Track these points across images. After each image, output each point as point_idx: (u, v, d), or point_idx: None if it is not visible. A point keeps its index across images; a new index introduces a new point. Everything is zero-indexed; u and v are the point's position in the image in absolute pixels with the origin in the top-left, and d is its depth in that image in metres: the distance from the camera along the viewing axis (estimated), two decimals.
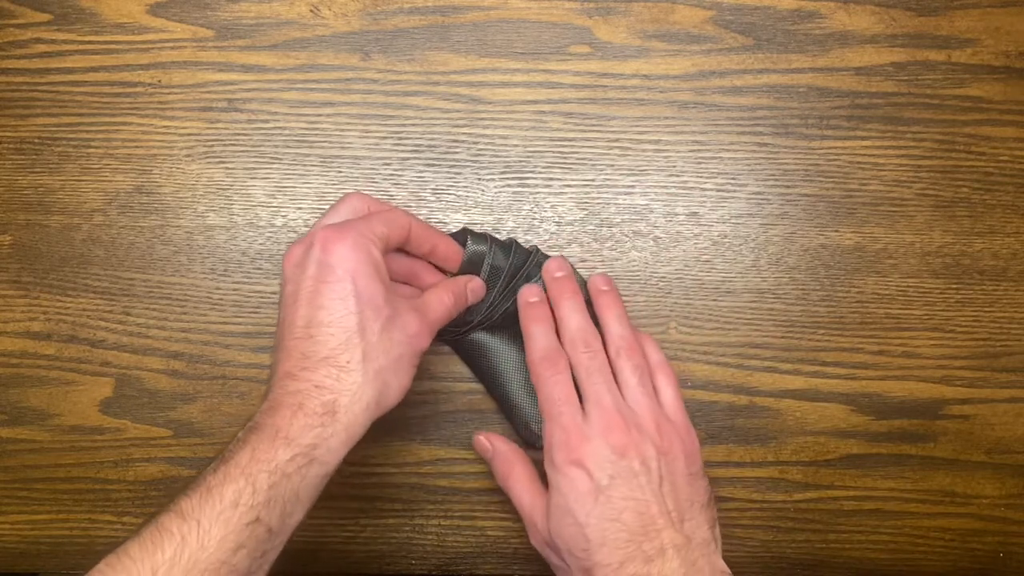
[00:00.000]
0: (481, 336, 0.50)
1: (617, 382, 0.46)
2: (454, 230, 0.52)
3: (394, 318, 0.42)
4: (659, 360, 0.48)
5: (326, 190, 0.53)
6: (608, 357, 0.46)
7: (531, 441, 0.50)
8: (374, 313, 0.41)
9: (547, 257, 0.50)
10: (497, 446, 0.49)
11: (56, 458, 0.53)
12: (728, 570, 0.42)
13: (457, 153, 0.53)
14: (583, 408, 0.45)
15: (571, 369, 0.46)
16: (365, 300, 0.41)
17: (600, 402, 0.44)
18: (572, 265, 0.51)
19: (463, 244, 0.49)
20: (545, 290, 0.50)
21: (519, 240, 0.52)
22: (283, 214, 0.53)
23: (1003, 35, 0.53)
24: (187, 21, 0.53)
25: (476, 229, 0.53)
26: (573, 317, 0.47)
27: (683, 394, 0.52)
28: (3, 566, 0.53)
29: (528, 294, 0.49)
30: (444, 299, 0.46)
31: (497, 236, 0.51)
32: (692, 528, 0.42)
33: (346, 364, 0.40)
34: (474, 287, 0.48)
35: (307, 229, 0.53)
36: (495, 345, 0.50)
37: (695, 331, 0.53)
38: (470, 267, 0.49)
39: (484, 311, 0.50)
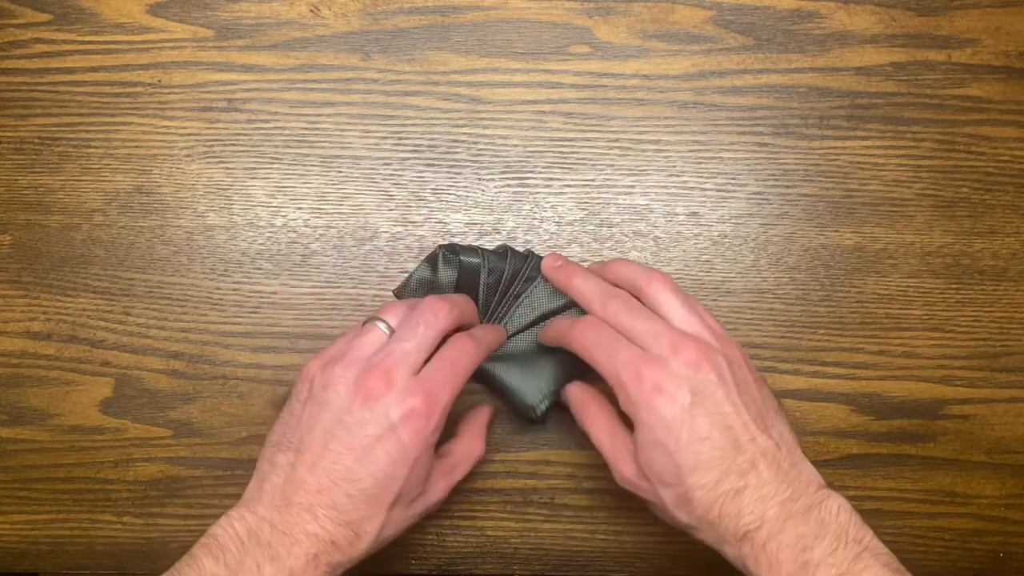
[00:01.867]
0: None
1: (657, 311, 0.44)
2: (454, 231, 0.52)
3: (424, 495, 0.43)
4: (675, 284, 0.47)
5: (326, 190, 0.53)
6: (642, 295, 0.45)
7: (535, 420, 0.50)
8: (409, 492, 0.42)
9: (543, 258, 0.50)
10: (572, 391, 0.48)
11: (56, 458, 0.53)
12: (822, 479, 0.41)
13: (457, 153, 0.53)
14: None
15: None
16: (411, 484, 0.41)
17: (655, 331, 0.42)
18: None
19: (455, 256, 0.49)
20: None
21: (515, 242, 0.52)
22: (283, 214, 0.53)
23: (1003, 35, 0.53)
24: (187, 21, 0.53)
25: (475, 229, 0.53)
26: (588, 285, 0.46)
27: None
28: (3, 566, 0.53)
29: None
30: (475, 450, 0.47)
31: (486, 247, 0.50)
32: (777, 434, 0.41)
33: (364, 533, 0.41)
34: (486, 412, 0.49)
35: (307, 229, 0.53)
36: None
37: None
38: (467, 279, 0.49)
39: (491, 321, 0.49)
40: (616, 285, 0.46)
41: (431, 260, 0.49)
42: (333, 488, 0.40)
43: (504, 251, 0.50)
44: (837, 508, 0.39)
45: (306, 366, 0.43)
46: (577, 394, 0.48)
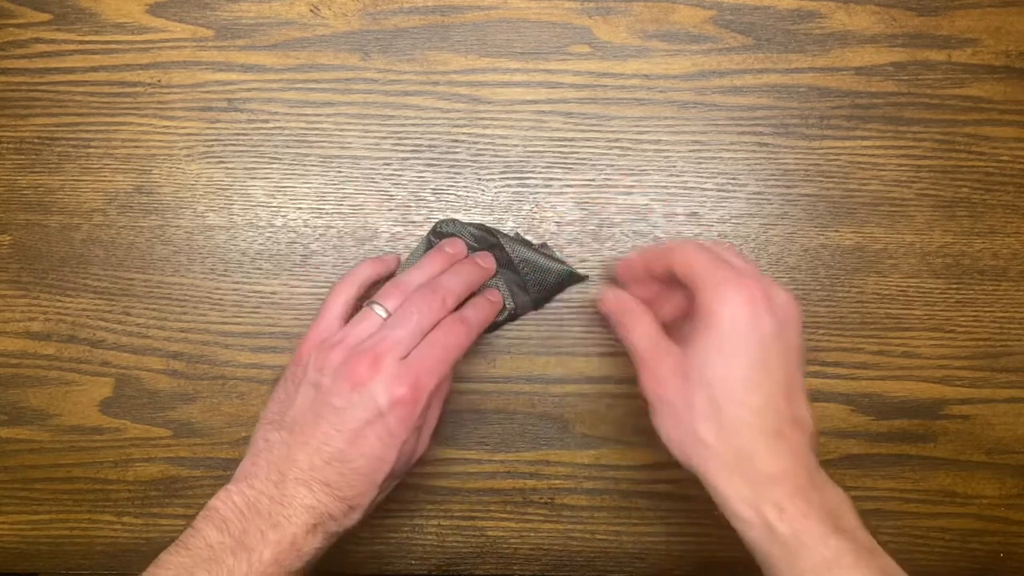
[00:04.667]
0: None
1: None
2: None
3: (410, 460, 0.44)
4: None
5: (326, 190, 0.53)
6: None
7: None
8: (399, 469, 0.43)
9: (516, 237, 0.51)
10: (610, 295, 0.46)
11: (56, 458, 0.53)
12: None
13: (457, 153, 0.53)
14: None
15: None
16: (400, 463, 0.42)
17: (756, 272, 0.42)
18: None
19: (439, 236, 0.51)
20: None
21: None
22: (283, 214, 0.53)
23: (1003, 35, 0.53)
24: (187, 21, 0.53)
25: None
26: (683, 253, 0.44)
27: None
28: (3, 566, 0.53)
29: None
30: (442, 387, 0.45)
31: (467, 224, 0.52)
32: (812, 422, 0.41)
33: (358, 506, 0.42)
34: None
35: (307, 229, 0.53)
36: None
37: None
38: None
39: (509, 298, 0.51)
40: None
41: (432, 235, 0.51)
42: (325, 467, 0.41)
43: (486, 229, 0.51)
44: (849, 499, 0.39)
45: (300, 347, 0.44)
46: (616, 297, 0.45)
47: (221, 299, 0.53)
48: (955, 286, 0.53)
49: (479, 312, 0.47)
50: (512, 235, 0.52)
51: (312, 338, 0.44)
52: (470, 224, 0.51)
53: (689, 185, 0.53)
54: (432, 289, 0.45)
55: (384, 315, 0.44)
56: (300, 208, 0.53)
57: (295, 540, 0.40)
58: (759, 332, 0.39)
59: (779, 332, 0.40)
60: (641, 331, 0.43)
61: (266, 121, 0.53)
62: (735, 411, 0.39)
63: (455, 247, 0.49)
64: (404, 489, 0.53)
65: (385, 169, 0.53)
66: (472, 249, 0.50)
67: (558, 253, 0.52)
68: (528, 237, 0.52)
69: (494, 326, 0.51)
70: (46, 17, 0.53)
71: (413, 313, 0.43)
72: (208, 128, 0.53)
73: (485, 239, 0.50)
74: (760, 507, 0.38)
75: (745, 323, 0.39)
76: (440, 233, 0.51)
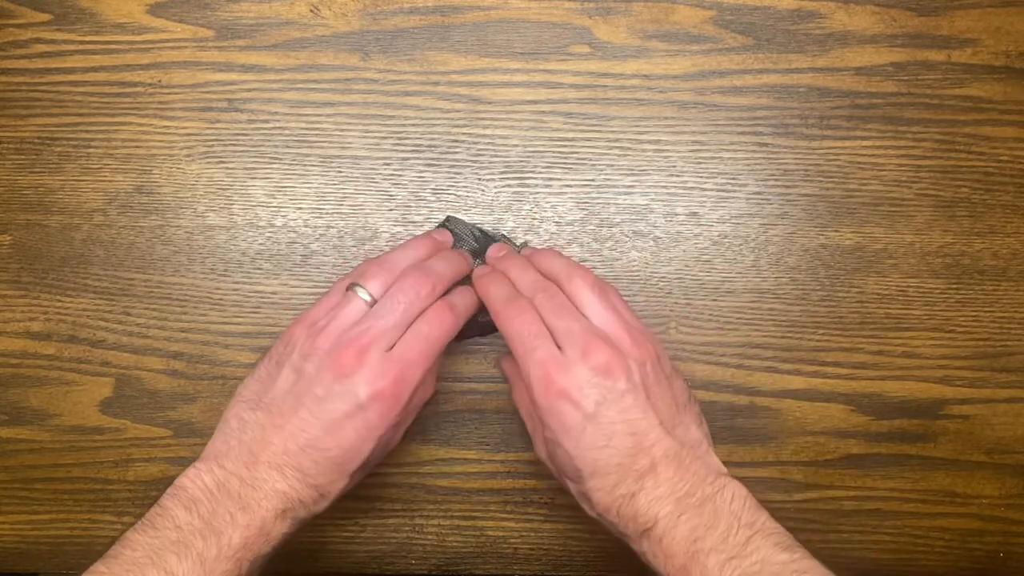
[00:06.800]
0: None
1: (578, 308, 0.44)
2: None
3: (383, 453, 0.44)
4: (596, 279, 0.46)
5: (326, 190, 0.53)
6: (564, 291, 0.45)
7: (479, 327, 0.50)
8: (373, 460, 0.43)
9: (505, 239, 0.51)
10: (506, 367, 0.48)
11: (56, 458, 0.53)
12: (724, 468, 0.41)
13: (457, 153, 0.53)
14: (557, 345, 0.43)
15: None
16: (376, 454, 0.42)
17: (571, 331, 0.42)
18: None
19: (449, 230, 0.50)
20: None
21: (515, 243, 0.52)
22: (283, 214, 0.53)
23: (1003, 35, 0.53)
24: (187, 21, 0.53)
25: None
26: (524, 275, 0.46)
27: None
28: (3, 566, 0.53)
29: (478, 271, 0.48)
30: (427, 391, 0.45)
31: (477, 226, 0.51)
32: (682, 432, 0.42)
33: (328, 494, 0.42)
34: None
35: (307, 229, 0.53)
36: None
37: (695, 331, 0.53)
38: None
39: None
40: (546, 277, 0.46)
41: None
42: (300, 453, 0.41)
43: (486, 235, 0.50)
44: (731, 496, 0.40)
45: (290, 329, 0.44)
46: (510, 370, 0.47)
47: (221, 299, 0.53)
48: (955, 286, 0.53)
49: (467, 298, 0.47)
50: (518, 245, 0.51)
51: (303, 320, 0.44)
52: (475, 226, 0.51)
53: (689, 185, 0.53)
54: (424, 272, 0.44)
55: (368, 299, 0.44)
56: (300, 208, 0.53)
57: (264, 524, 0.40)
58: (582, 424, 0.41)
59: (606, 406, 0.41)
60: (523, 408, 0.45)
61: (266, 121, 0.53)
62: (596, 496, 0.41)
63: (442, 236, 0.49)
64: (404, 489, 0.53)
65: (385, 169, 0.53)
66: (473, 249, 0.50)
67: None
68: (528, 237, 0.52)
69: (482, 330, 0.51)
70: (46, 17, 0.53)
71: (400, 302, 0.43)
72: (208, 128, 0.53)
73: (487, 243, 0.50)
74: (645, 556, 0.41)
75: (565, 423, 0.41)
76: (447, 229, 0.50)
